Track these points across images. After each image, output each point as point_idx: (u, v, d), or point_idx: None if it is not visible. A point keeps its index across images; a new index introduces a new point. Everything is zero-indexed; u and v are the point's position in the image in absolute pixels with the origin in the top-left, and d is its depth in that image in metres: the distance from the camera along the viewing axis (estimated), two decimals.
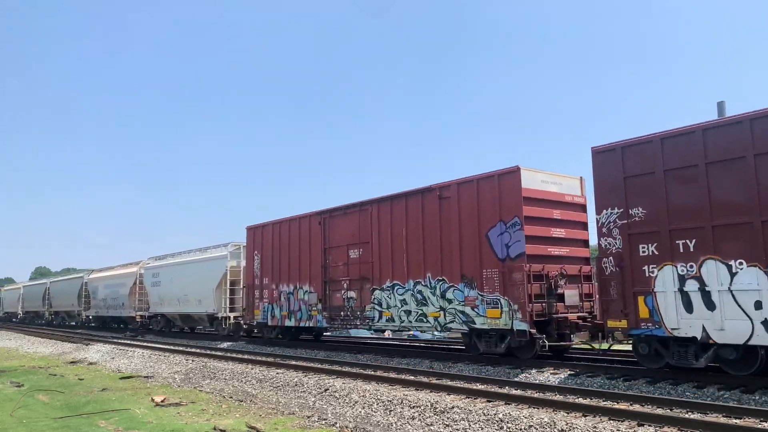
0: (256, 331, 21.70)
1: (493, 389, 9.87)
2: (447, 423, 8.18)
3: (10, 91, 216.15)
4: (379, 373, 12.20)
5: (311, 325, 17.58)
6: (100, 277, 35.32)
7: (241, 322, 21.74)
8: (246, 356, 16.56)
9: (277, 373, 12.99)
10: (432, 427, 8.15)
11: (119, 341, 23.78)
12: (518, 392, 9.45)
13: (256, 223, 20.65)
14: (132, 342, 23.35)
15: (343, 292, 16.43)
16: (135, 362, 17.67)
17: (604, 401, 8.55)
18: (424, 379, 11.15)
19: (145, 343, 22.38)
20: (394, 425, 8.47)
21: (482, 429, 7.77)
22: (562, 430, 7.22)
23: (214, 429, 8.56)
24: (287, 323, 18.65)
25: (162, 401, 10.99)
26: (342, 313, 16.40)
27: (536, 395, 9.07)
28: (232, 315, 22.39)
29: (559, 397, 8.98)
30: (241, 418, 9.39)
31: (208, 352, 18.25)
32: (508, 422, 7.74)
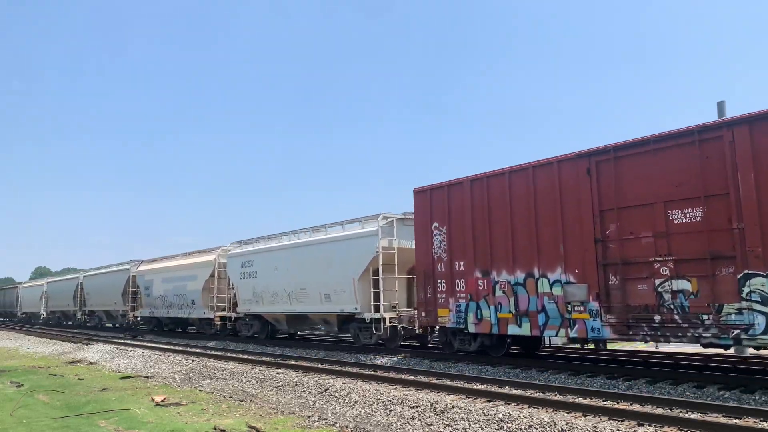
0: (408, 337, 16.35)
1: (493, 389, 9.87)
2: (447, 423, 8.18)
3: (10, 91, 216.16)
4: (379, 373, 12.20)
5: (574, 334, 11.23)
6: (156, 269, 28.63)
7: (398, 326, 15.91)
8: (246, 356, 16.55)
9: (277, 373, 13.00)
10: (432, 427, 8.15)
11: (119, 341, 23.77)
12: (518, 392, 9.45)
13: (434, 183, 14.44)
14: (132, 342, 23.33)
15: (658, 282, 10.12)
16: (135, 362, 17.67)
17: (604, 401, 8.55)
18: (424, 379, 11.15)
19: (145, 343, 22.38)
20: (394, 425, 8.47)
21: (482, 429, 7.77)
22: (562, 430, 7.22)
23: (214, 429, 8.56)
24: (514, 330, 12.17)
25: (162, 401, 10.99)
26: (656, 316, 10.07)
27: (536, 395, 9.07)
28: (388, 316, 15.78)
29: (559, 397, 8.98)
30: (241, 417, 9.39)
31: (208, 351, 18.19)
32: (508, 422, 7.74)
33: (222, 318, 23.21)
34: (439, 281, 13.94)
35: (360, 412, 9.36)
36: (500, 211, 12.70)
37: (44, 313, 45.26)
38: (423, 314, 14.32)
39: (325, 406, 10.03)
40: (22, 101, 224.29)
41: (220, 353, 17.49)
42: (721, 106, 15.19)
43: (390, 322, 15.77)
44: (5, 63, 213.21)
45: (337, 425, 8.72)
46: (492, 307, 12.63)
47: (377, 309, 16.00)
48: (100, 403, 11.11)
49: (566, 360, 12.82)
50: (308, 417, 9.31)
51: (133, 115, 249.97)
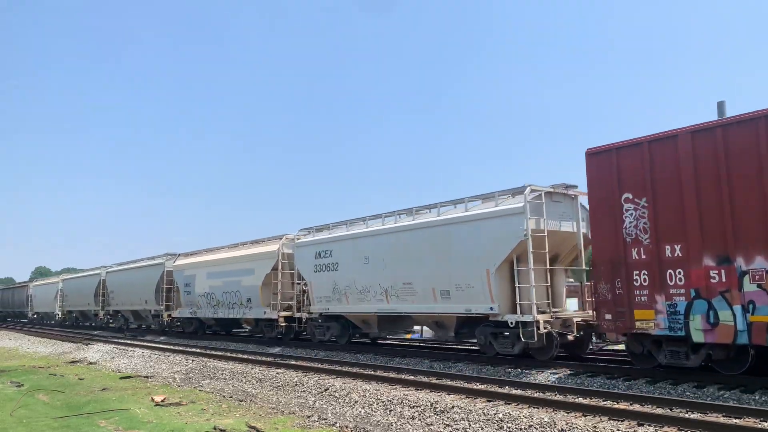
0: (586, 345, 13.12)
1: (493, 389, 9.88)
2: (447, 423, 8.18)
3: (9, 89, 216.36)
4: (379, 373, 12.21)
5: None
6: (200, 263, 24.52)
7: (553, 331, 12.14)
8: (246, 356, 16.55)
9: (277, 373, 13.00)
10: (432, 427, 8.16)
11: (119, 341, 23.79)
12: (518, 392, 9.46)
13: (617, 141, 10.96)
14: (132, 342, 23.35)
15: None
16: (135, 362, 17.69)
17: (604, 401, 8.56)
18: (424, 379, 11.16)
19: (145, 343, 22.39)
20: (394, 425, 8.48)
21: (482, 429, 7.77)
22: (562, 429, 7.23)
23: (214, 429, 8.57)
24: None
25: (162, 401, 11.00)
26: None
27: (536, 395, 9.08)
28: (542, 319, 11.94)
29: (559, 397, 8.99)
30: (241, 417, 9.40)
31: (208, 351, 18.17)
32: (508, 422, 7.74)
33: (287, 319, 19.36)
34: (635, 273, 10.56)
35: (360, 411, 9.36)
36: (748, 172, 9.23)
37: (59, 314, 41.02)
38: (608, 317, 10.85)
39: (325, 406, 10.04)
40: (22, 100, 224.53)
41: (219, 353, 17.48)
42: (721, 106, 15.12)
43: (544, 327, 12.03)
44: (4, 60, 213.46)
45: (337, 425, 8.73)
46: (737, 307, 9.13)
47: (523, 309, 12.27)
48: (100, 403, 11.13)
49: (566, 360, 12.80)
50: (308, 417, 9.32)
51: (134, 115, 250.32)
